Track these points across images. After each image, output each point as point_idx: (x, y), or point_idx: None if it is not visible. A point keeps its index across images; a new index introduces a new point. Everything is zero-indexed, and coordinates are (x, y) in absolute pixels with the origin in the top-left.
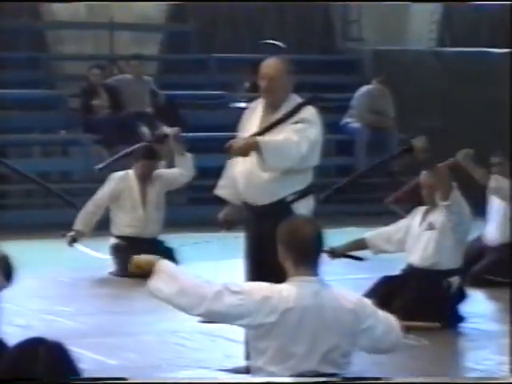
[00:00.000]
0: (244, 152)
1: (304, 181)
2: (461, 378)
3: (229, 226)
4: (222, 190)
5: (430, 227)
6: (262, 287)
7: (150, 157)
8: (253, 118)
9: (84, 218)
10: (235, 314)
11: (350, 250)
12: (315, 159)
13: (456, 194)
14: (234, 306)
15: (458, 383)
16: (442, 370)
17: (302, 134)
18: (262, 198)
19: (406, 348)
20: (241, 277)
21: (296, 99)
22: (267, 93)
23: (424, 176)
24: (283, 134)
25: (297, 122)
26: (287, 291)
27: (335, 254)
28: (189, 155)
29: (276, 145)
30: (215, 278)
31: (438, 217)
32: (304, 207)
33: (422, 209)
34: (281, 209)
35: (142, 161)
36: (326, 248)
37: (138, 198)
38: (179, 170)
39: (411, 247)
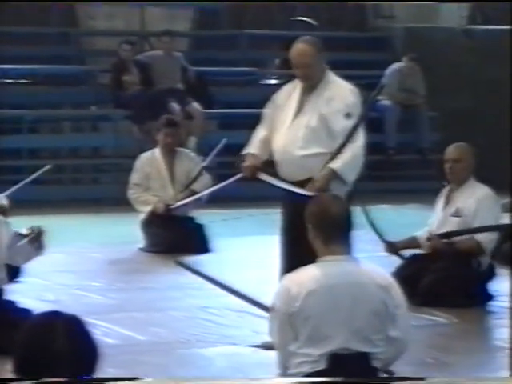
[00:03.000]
0: (326, 185)
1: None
2: (461, 378)
3: (253, 172)
4: (252, 148)
5: (457, 214)
6: (282, 288)
7: (171, 124)
8: (291, 99)
9: (140, 201)
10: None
11: (407, 247)
12: None
13: (473, 182)
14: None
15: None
16: (469, 347)
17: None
18: (297, 175)
19: (435, 325)
20: (269, 252)
21: (332, 76)
22: (306, 80)
23: (450, 149)
24: (349, 150)
25: (347, 114)
26: (310, 274)
27: (393, 248)
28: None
29: (350, 163)
30: (244, 253)
31: (463, 201)
32: (339, 185)
33: (446, 189)
34: None
35: (164, 129)
36: (385, 239)
37: (166, 177)
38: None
39: (436, 231)
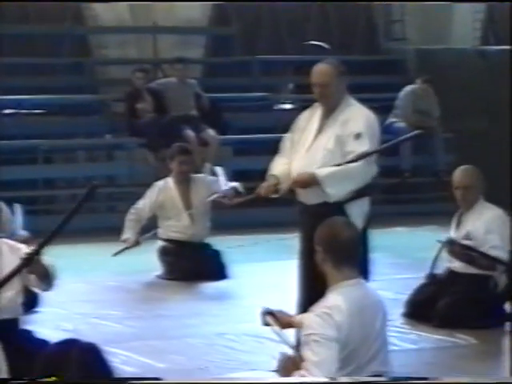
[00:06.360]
0: (303, 186)
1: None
2: (462, 379)
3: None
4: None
5: (467, 237)
6: (325, 316)
7: (184, 152)
8: (312, 122)
9: (129, 225)
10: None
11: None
12: (374, 169)
13: (482, 203)
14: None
15: (460, 383)
16: (488, 369)
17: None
18: (314, 197)
19: (453, 347)
20: (286, 277)
21: (351, 101)
22: (322, 99)
23: (458, 175)
24: (344, 167)
25: (357, 135)
26: (341, 301)
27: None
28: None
29: (336, 176)
30: (261, 279)
31: (473, 224)
32: (358, 208)
33: (458, 212)
34: (334, 209)
35: (177, 158)
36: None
37: (180, 205)
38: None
39: None
